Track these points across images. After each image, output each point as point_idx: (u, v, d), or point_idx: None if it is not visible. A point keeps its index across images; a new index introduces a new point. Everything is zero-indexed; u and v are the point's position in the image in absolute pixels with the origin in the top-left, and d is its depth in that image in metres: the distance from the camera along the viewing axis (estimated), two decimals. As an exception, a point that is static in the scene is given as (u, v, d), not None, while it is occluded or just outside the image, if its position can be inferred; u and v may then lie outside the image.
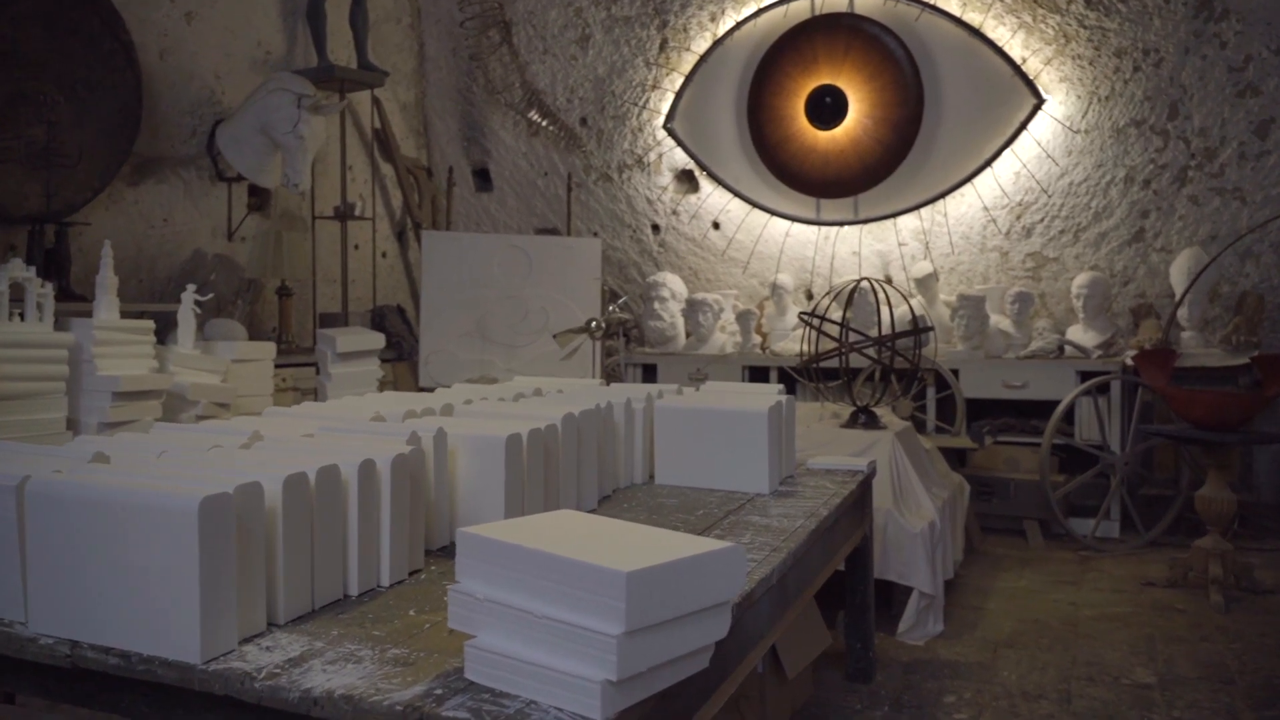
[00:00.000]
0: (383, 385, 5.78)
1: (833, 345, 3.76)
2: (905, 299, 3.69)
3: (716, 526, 2.04)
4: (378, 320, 6.46)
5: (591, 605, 1.07)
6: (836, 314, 4.94)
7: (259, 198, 5.83)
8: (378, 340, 4.72)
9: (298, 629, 1.36)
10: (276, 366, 5.04)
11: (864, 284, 4.22)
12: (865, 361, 5.03)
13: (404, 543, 1.60)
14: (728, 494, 2.39)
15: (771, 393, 2.82)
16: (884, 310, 4.28)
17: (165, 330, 3.96)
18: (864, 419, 3.66)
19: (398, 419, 2.13)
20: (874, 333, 5.22)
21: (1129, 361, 5.03)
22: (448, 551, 1.79)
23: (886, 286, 3.65)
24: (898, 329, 5.06)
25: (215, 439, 1.79)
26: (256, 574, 1.31)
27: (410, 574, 1.64)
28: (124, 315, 3.93)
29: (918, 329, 3.52)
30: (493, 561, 1.19)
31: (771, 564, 1.74)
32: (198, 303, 4.01)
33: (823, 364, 4.10)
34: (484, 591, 1.19)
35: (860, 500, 2.70)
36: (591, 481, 2.19)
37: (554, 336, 3.91)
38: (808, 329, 3.84)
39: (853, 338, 3.63)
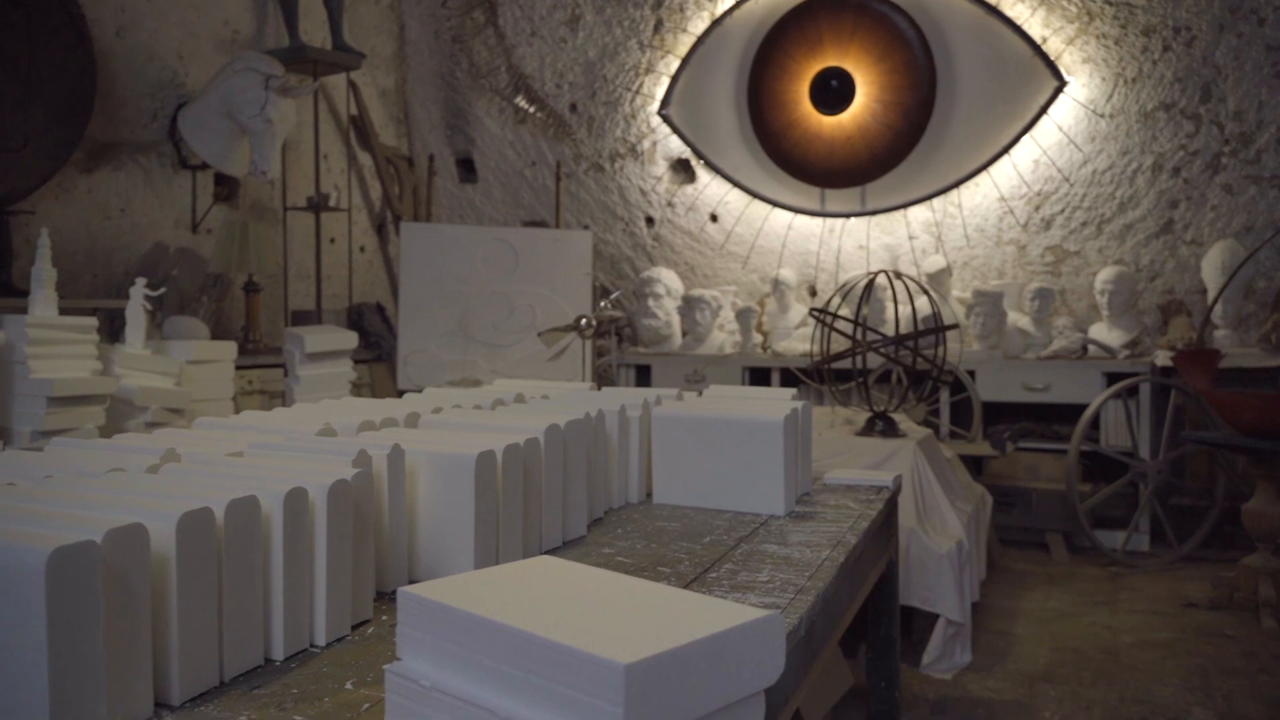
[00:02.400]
0: (359, 388, 5.49)
1: (847, 344, 3.47)
2: (926, 292, 3.41)
3: (728, 558, 1.76)
4: (355, 319, 6.17)
5: (576, 706, 0.78)
6: (845, 310, 4.66)
7: (226, 187, 5.53)
8: (350, 340, 4.43)
9: (196, 712, 1.07)
10: (242, 368, 4.76)
11: (880, 278, 3.94)
12: (878, 362, 4.75)
13: (344, 591, 1.31)
14: (736, 516, 2.10)
15: (785, 398, 2.53)
16: (900, 306, 4.00)
17: (122, 329, 3.67)
18: (881, 426, 3.37)
19: (352, 431, 1.83)
20: (886, 330, 4.94)
21: (1159, 362, 4.76)
22: (405, 594, 1.50)
23: (907, 280, 3.36)
24: (912, 326, 4.78)
25: (121, 459, 1.49)
26: (137, 644, 1.02)
27: (355, 627, 1.35)
28: (72, 312, 3.64)
29: (942, 326, 3.23)
30: (445, 635, 0.90)
31: (799, 611, 1.45)
32: (149, 298, 3.71)
33: (833, 365, 3.82)
34: (431, 676, 0.89)
35: (887, 521, 2.41)
36: (580, 504, 1.90)
37: (539, 335, 3.62)
38: (817, 327, 3.55)
39: (870, 336, 3.35)
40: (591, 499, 2.02)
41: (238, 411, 3.02)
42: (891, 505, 2.48)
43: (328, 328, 4.51)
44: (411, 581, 1.54)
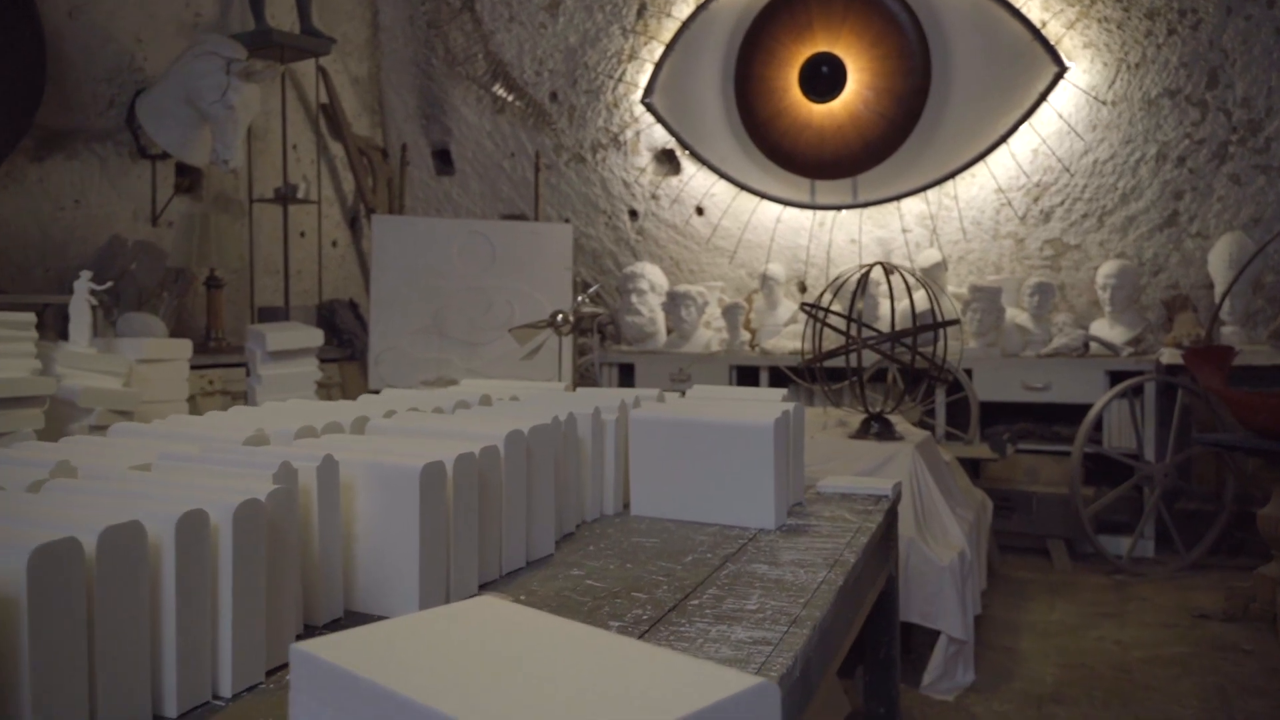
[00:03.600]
0: (328, 388, 5.29)
1: (841, 341, 3.29)
2: (925, 286, 3.23)
3: (712, 581, 1.57)
4: (326, 316, 5.96)
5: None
6: (837, 305, 4.48)
7: (189, 178, 5.32)
8: (315, 337, 4.22)
9: (56, 790, 0.88)
10: (203, 368, 4.56)
11: (874, 271, 3.76)
12: (871, 360, 4.57)
13: (256, 632, 1.12)
14: (722, 530, 1.91)
15: (774, 399, 2.34)
16: (896, 301, 3.82)
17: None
18: (877, 428, 3.19)
19: (288, 438, 1.64)
20: (880, 327, 4.76)
21: (1165, 360, 4.60)
22: (340, 627, 1.31)
23: (904, 273, 3.18)
24: (906, 321, 4.61)
25: (4, 473, 1.30)
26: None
27: (271, 673, 1.15)
28: (20, 308, 3.43)
29: (943, 321, 3.05)
30: (345, 706, 0.71)
31: (793, 647, 1.27)
32: (94, 292, 3.51)
33: (825, 363, 3.64)
34: (328, 760, 0.70)
35: (887, 534, 2.23)
36: (546, 519, 1.72)
37: (510, 332, 3.43)
38: (809, 323, 3.37)
39: (866, 332, 3.17)
40: (560, 513, 1.84)
41: (197, 414, 2.82)
42: (891, 516, 2.30)
43: (292, 324, 4.31)
44: (348, 615, 1.35)
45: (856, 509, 2.17)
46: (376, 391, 4.72)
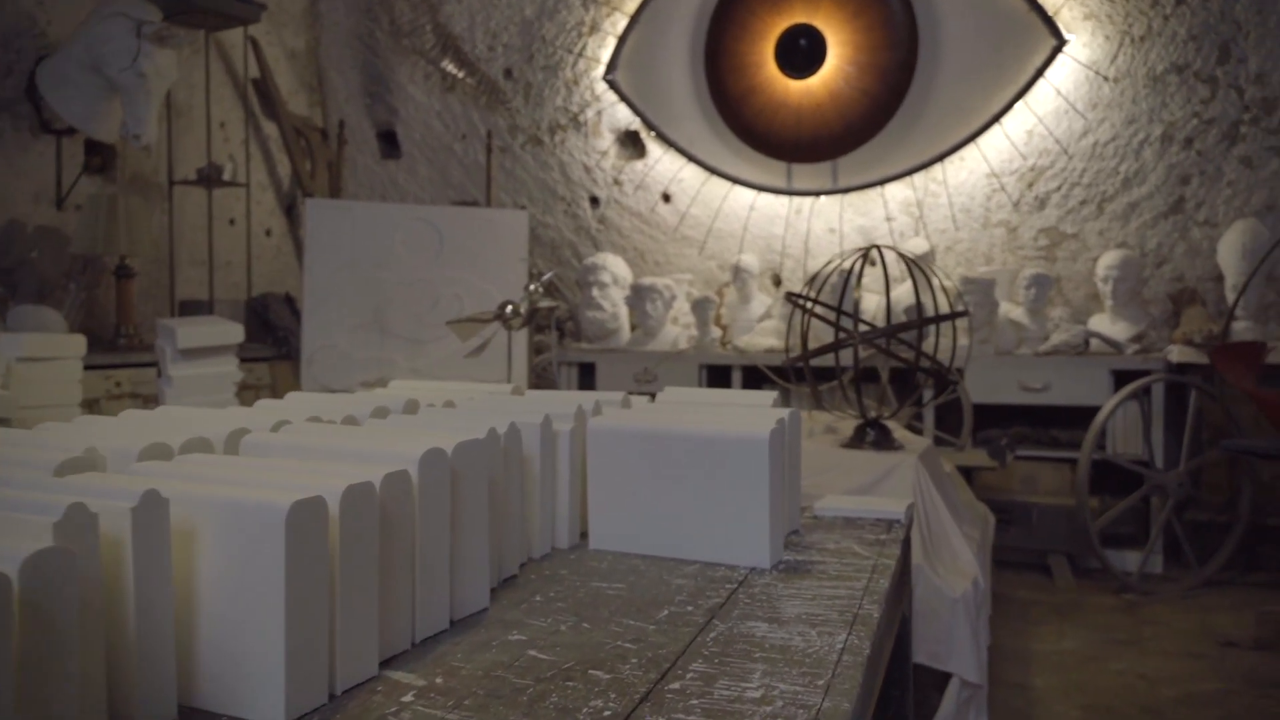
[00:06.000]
0: (256, 390, 4.89)
1: (830, 335, 2.94)
2: (925, 275, 2.88)
3: (696, 651, 1.21)
4: (260, 311, 5.55)
5: None
6: (825, 295, 4.14)
7: (100, 156, 4.89)
8: (234, 333, 3.83)
9: None
10: (109, 367, 4.16)
11: (851, 260, 3.42)
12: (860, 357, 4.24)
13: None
14: (704, 570, 1.55)
15: (764, 404, 1.99)
16: (885, 291, 3.48)
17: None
18: (873, 435, 2.85)
19: (129, 458, 1.26)
20: (864, 319, 4.42)
21: (1174, 358, 4.31)
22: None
23: (908, 259, 2.84)
24: (898, 314, 4.27)
25: None
26: None
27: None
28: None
29: (953, 313, 2.71)
30: None
31: (818, 763, 0.91)
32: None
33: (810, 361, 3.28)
34: None
35: (903, 571, 1.88)
36: (478, 563, 1.35)
37: (449, 326, 3.05)
38: (794, 315, 3.02)
39: (864, 325, 2.82)
40: (499, 552, 1.47)
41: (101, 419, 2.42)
42: (906, 546, 1.95)
43: (208, 319, 3.91)
44: (186, 715, 0.98)
45: (866, 539, 1.82)
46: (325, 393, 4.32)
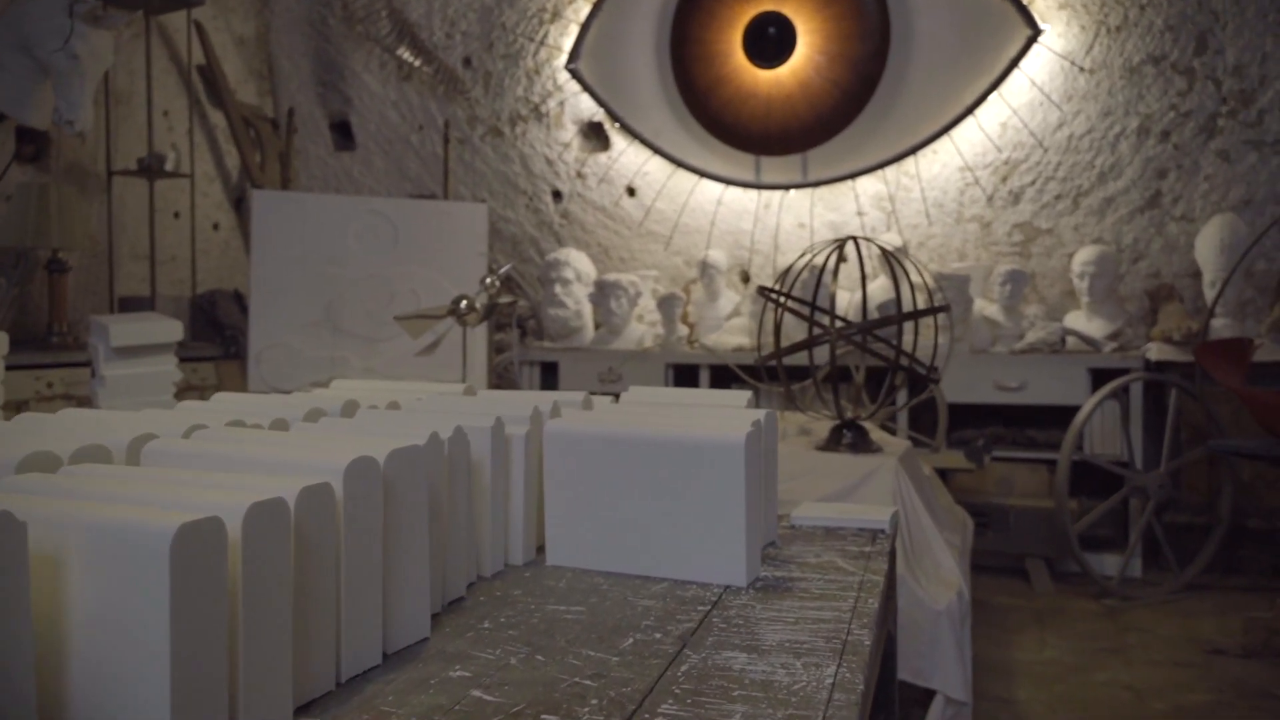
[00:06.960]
0: (199, 391, 4.70)
1: (803, 333, 2.81)
2: (906, 267, 2.75)
3: (667, 689, 1.06)
4: (206, 308, 5.34)
5: None
6: (796, 290, 4.01)
7: (34, 144, 4.67)
8: (172, 330, 3.63)
9: None
10: (42, 367, 3.96)
11: (823, 255, 3.28)
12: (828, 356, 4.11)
13: None
14: (673, 590, 1.41)
15: (737, 404, 1.84)
16: (860, 286, 3.36)
17: None
18: (850, 437, 2.72)
19: (8, 470, 1.10)
20: (838, 313, 4.29)
21: (1152, 356, 4.23)
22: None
23: (890, 252, 2.71)
24: (872, 310, 4.15)
25: None
26: None
27: None
28: None
29: (934, 307, 2.59)
30: None
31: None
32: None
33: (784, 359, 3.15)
34: None
35: (890, 586, 1.75)
36: (416, 588, 1.19)
37: (397, 321, 2.89)
38: (766, 311, 2.88)
39: (841, 321, 2.68)
40: (443, 573, 1.31)
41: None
42: (893, 559, 1.82)
43: (145, 315, 3.72)
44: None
45: (850, 551, 1.69)
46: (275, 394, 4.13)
